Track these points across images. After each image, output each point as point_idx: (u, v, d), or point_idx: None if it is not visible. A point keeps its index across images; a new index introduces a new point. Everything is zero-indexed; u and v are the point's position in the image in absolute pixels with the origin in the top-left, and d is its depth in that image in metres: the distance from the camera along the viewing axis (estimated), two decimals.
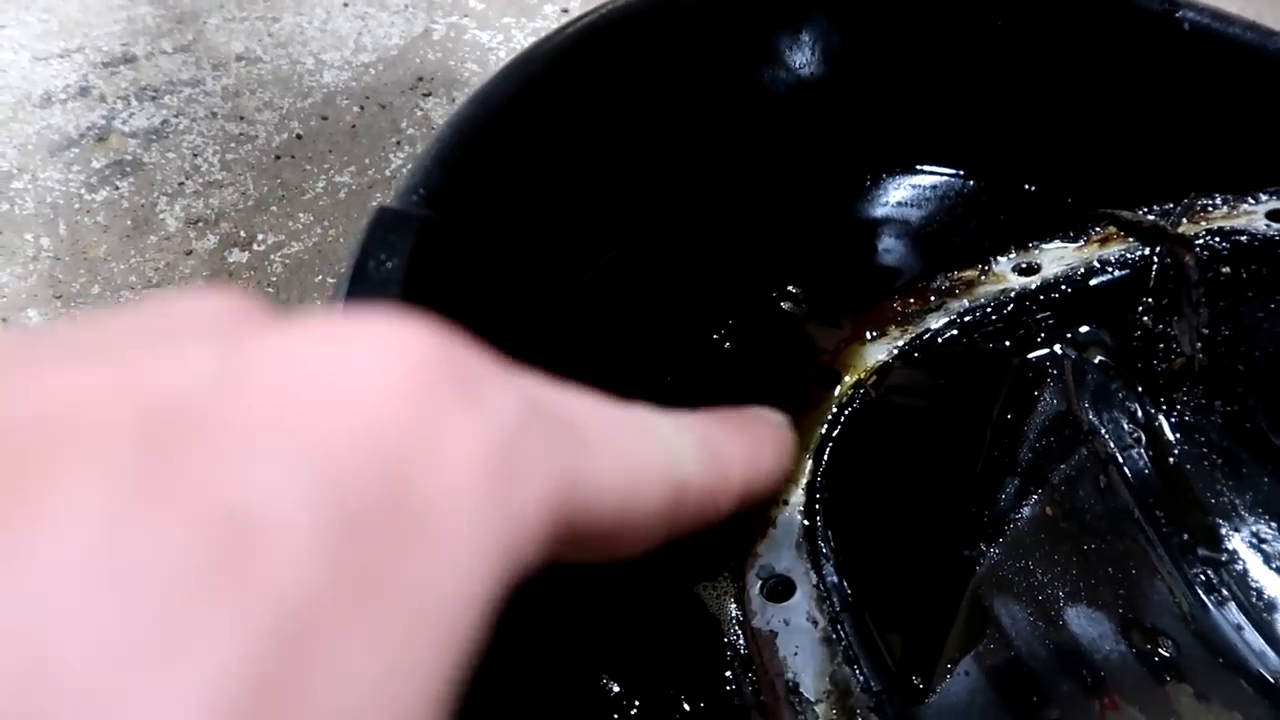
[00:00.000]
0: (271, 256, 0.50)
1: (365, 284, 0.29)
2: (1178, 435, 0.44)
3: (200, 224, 0.51)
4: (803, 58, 0.50)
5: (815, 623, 0.34)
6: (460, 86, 0.62)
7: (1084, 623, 0.37)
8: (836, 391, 0.43)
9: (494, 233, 0.37)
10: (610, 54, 0.43)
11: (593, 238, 0.43)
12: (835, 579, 0.36)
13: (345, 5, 0.68)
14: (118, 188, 0.53)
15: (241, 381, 0.13)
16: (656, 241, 0.46)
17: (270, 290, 0.49)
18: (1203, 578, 0.40)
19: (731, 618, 0.35)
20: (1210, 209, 0.44)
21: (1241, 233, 0.43)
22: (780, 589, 0.36)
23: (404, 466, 0.13)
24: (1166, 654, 0.36)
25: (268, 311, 0.16)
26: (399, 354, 0.14)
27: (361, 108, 0.59)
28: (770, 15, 0.48)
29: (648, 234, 0.46)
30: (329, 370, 0.14)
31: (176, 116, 0.58)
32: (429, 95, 0.61)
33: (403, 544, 0.13)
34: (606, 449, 0.18)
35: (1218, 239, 0.43)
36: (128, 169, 0.54)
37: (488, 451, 0.14)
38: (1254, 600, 0.40)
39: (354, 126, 0.58)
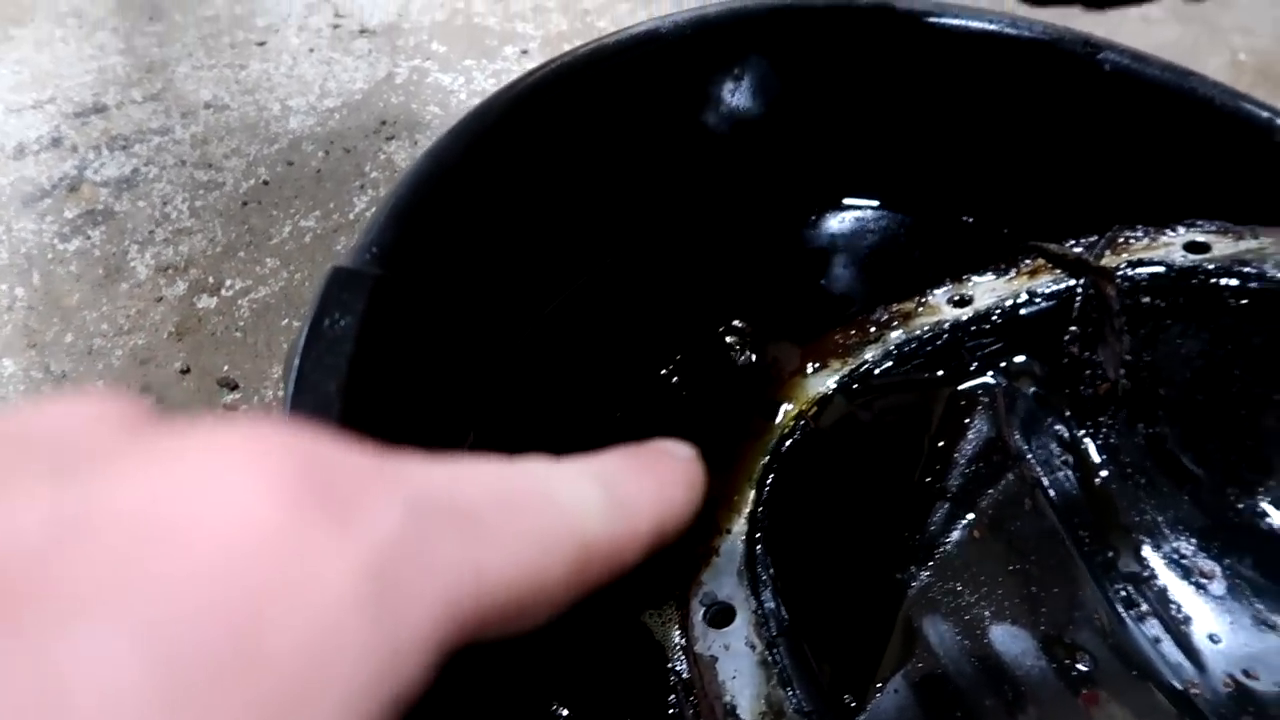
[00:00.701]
0: (239, 301, 0.52)
1: (319, 342, 0.32)
2: (1103, 457, 0.46)
3: (170, 271, 0.53)
4: (743, 99, 0.53)
5: (753, 647, 0.36)
6: (422, 129, 0.65)
7: (1008, 640, 0.39)
8: (778, 422, 0.45)
9: (446, 283, 0.39)
10: (558, 106, 0.45)
11: (544, 281, 0.46)
12: (773, 604, 0.38)
13: (311, 51, 0.70)
14: (89, 237, 0.55)
15: (76, 534, 0.12)
16: (606, 282, 0.48)
17: (239, 334, 0.51)
18: (1123, 593, 0.42)
19: (676, 644, 0.37)
20: (1132, 241, 0.47)
21: (1160, 263, 0.45)
22: (722, 615, 0.38)
23: (258, 619, 0.12)
24: (1084, 668, 0.39)
25: (142, 421, 0.15)
26: (259, 478, 0.13)
27: (326, 152, 0.61)
28: (711, 58, 0.51)
29: (597, 275, 0.48)
30: (180, 507, 0.12)
31: (146, 165, 0.60)
32: (392, 138, 0.64)
33: (258, 711, 0.11)
34: (505, 530, 0.17)
35: (1138, 270, 0.45)
36: (99, 218, 0.56)
37: (363, 575, 0.13)
38: (1172, 613, 0.42)
39: (319, 171, 0.60)
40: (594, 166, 0.47)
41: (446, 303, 0.39)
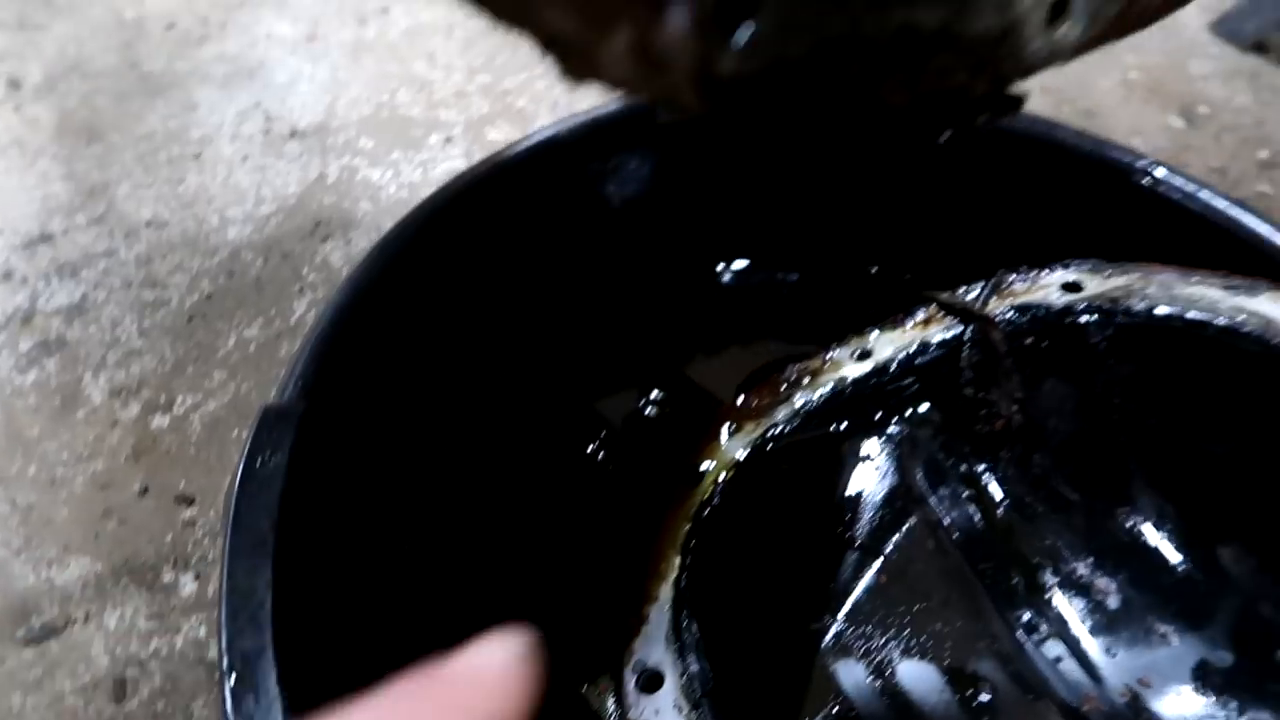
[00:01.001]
0: (191, 418, 0.55)
1: (252, 482, 0.35)
2: (1003, 490, 0.50)
3: (123, 393, 0.56)
4: (640, 186, 0.56)
5: (680, 709, 0.40)
6: (355, 227, 0.68)
7: (915, 677, 0.43)
8: (700, 488, 0.49)
9: (373, 404, 0.43)
10: (464, 222, 0.49)
11: (468, 384, 0.49)
12: (698, 666, 0.41)
13: (245, 159, 0.74)
14: (45, 367, 0.58)
15: None
16: (526, 372, 0.52)
17: (192, 450, 0.54)
18: (1025, 619, 0.46)
19: (610, 713, 0.40)
20: (1015, 285, 0.51)
21: (1039, 306, 0.49)
22: (652, 681, 0.41)
23: None
24: (986, 697, 0.42)
25: None
26: None
27: (265, 259, 0.65)
28: (606, 155, 0.54)
29: (517, 366, 0.52)
30: None
31: (95, 289, 0.63)
32: (327, 239, 0.67)
33: None
34: None
35: (1019, 314, 0.49)
36: (53, 348, 0.59)
37: None
38: (1071, 632, 0.46)
39: (259, 279, 0.63)
40: (502, 269, 0.51)
41: (372, 419, 0.43)
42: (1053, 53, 0.29)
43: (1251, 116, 0.87)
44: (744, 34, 0.21)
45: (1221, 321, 0.45)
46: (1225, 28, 0.97)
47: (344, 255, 0.66)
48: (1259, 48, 0.96)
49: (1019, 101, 0.31)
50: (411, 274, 0.45)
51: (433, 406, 0.46)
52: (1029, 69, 0.29)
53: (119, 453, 0.53)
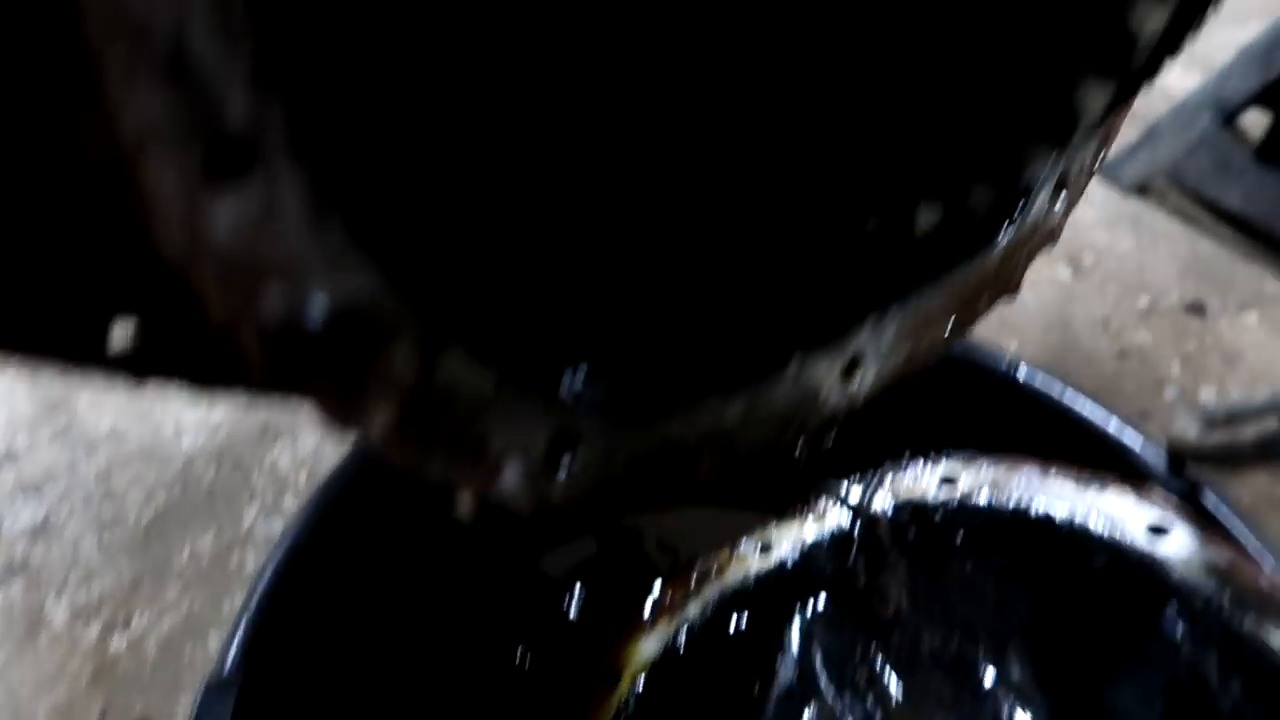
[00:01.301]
0: (148, 637, 0.59)
1: None
2: (896, 673, 0.55)
3: (84, 615, 0.61)
4: None
5: None
6: (302, 425, 0.73)
7: None
8: (618, 690, 0.53)
9: (303, 659, 0.47)
10: (372, 486, 0.53)
11: (391, 612, 0.54)
12: None
13: None
14: (10, 591, 0.62)
15: None
16: (458, 591, 0.56)
17: (149, 672, 0.58)
18: None
19: None
20: (898, 479, 0.56)
21: (920, 503, 0.55)
22: None
23: None
24: None
25: None
26: None
27: (217, 468, 0.70)
28: None
29: (451, 588, 0.56)
30: None
31: (57, 505, 0.67)
32: (276, 440, 0.72)
33: None
34: None
35: (901, 509, 0.55)
36: (17, 570, 0.63)
37: None
38: None
39: (211, 490, 0.68)
40: (416, 510, 0.55)
41: (309, 673, 0.47)
42: (851, 402, 0.35)
43: (1134, 261, 0.94)
44: (567, 467, 0.27)
45: (1078, 520, 0.51)
46: (1108, 171, 1.05)
47: (291, 458, 0.70)
48: (1141, 190, 1.04)
49: (832, 426, 0.37)
50: (328, 540, 0.50)
51: (361, 647, 0.51)
52: (831, 420, 0.35)
53: (80, 678, 0.57)
